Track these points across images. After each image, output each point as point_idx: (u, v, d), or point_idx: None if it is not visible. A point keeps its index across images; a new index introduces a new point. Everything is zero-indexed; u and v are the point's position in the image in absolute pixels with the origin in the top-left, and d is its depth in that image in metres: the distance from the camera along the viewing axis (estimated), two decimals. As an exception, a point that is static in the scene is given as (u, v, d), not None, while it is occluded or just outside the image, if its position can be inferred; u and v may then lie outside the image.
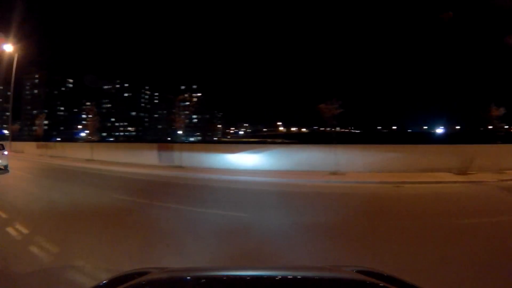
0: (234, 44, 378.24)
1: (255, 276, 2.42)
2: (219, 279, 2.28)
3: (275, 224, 9.07)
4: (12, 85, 45.49)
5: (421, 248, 6.82)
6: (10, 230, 8.35)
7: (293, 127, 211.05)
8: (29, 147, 40.66)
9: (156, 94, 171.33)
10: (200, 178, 18.47)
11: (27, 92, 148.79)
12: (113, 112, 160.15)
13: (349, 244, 7.20)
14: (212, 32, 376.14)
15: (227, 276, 2.40)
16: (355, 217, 9.75)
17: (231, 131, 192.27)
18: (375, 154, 19.44)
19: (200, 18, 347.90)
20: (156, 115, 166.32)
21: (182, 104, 31.68)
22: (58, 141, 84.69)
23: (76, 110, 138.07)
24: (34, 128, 44.83)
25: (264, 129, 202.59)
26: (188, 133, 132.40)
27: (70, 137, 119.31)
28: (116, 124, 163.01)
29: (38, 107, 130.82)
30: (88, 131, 35.16)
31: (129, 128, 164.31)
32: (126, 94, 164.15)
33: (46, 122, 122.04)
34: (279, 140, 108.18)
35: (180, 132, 30.96)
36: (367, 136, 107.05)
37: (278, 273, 2.54)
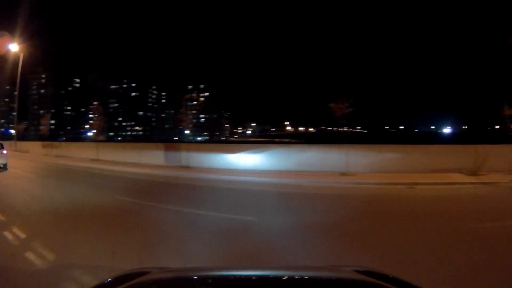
0: (242, 44, 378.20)
1: (255, 276, 2.42)
2: (219, 279, 2.27)
3: (291, 229, 8.57)
4: (17, 84, 45.61)
5: (443, 256, 6.37)
6: (7, 234, 8.00)
7: (301, 126, 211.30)
8: (35, 147, 40.58)
9: (164, 93, 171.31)
10: (208, 179, 18.03)
11: (34, 92, 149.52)
12: (120, 112, 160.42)
13: (369, 252, 6.67)
14: (220, 32, 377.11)
15: (227, 276, 2.40)
16: (371, 221, 9.25)
17: (239, 131, 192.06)
18: (385, 154, 18.99)
19: (208, 17, 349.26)
20: (163, 115, 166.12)
21: (189, 103, 31.43)
22: (65, 140, 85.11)
23: (83, 109, 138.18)
24: (41, 127, 44.64)
25: (272, 129, 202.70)
26: (195, 132, 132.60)
27: (77, 136, 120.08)
28: (123, 123, 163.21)
29: (45, 107, 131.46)
30: (94, 131, 34.88)
31: (136, 128, 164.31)
32: (133, 94, 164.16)
33: (53, 121, 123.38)
34: (287, 140, 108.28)
35: (187, 131, 30.75)
36: (374, 136, 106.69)
37: (278, 273, 2.54)
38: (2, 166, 22.79)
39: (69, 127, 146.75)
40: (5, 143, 38.78)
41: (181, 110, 27.82)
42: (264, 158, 20.84)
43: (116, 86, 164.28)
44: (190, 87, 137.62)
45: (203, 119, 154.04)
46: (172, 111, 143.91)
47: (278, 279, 2.29)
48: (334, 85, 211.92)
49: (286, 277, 2.37)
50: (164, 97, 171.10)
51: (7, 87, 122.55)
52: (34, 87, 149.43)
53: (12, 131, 48.29)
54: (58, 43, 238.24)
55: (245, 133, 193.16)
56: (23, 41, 43.54)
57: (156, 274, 2.46)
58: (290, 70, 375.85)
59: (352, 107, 19.35)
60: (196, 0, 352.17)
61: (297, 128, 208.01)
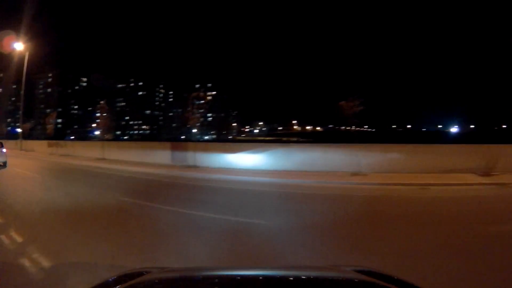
0: (249, 42, 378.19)
1: (255, 276, 2.40)
2: (219, 279, 2.26)
3: (308, 235, 8.00)
4: (23, 83, 45.73)
5: (466, 263, 6.02)
6: (3, 237, 7.68)
7: (308, 125, 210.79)
8: (40, 146, 40.59)
9: (171, 92, 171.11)
10: (216, 179, 17.55)
11: (41, 91, 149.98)
12: (128, 111, 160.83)
13: (396, 258, 6.18)
14: (227, 30, 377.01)
15: (227, 276, 2.39)
16: (389, 225, 8.85)
17: (246, 130, 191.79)
18: (395, 154, 18.54)
19: (215, 15, 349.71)
20: (170, 114, 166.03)
21: (196, 102, 31.30)
22: (73, 139, 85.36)
23: (90, 108, 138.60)
24: (48, 126, 44.64)
25: (279, 128, 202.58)
26: (202, 131, 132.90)
27: (84, 135, 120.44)
28: (131, 122, 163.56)
29: (52, 106, 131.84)
30: (101, 130, 34.73)
31: (144, 127, 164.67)
32: (140, 93, 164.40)
33: (59, 120, 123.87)
34: (295, 139, 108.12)
35: (194, 130, 30.54)
36: (382, 135, 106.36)
37: (278, 273, 2.53)
38: (1, 164, 23.61)
39: (76, 126, 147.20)
40: (10, 142, 38.81)
41: (188, 109, 27.76)
42: (273, 157, 20.42)
43: (123, 85, 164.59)
44: (197, 85, 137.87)
45: (210, 118, 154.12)
46: (179, 110, 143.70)
47: (278, 278, 2.29)
48: (342, 84, 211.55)
49: (286, 276, 2.37)
50: (171, 96, 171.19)
51: (14, 86, 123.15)
52: (41, 86, 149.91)
53: (19, 130, 48.23)
54: (65, 42, 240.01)
55: (253, 132, 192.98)
56: (28, 40, 43.63)
57: (156, 274, 2.48)
58: (298, 69, 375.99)
59: (363, 105, 19.25)
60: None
61: (304, 127, 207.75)
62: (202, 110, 30.58)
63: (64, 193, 13.79)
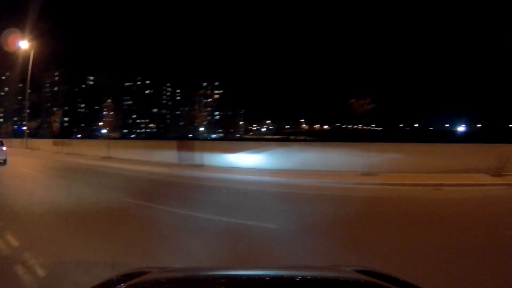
0: (257, 40, 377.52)
1: (255, 276, 2.39)
2: (219, 279, 2.23)
3: (321, 241, 7.48)
4: (28, 81, 45.78)
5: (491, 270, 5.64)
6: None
7: (315, 124, 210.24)
8: (46, 145, 40.65)
9: (178, 91, 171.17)
10: (223, 179, 17.14)
11: (47, 90, 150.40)
12: (135, 109, 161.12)
13: (418, 263, 5.74)
14: (235, 28, 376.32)
15: (227, 276, 2.36)
16: (407, 227, 8.53)
17: (253, 128, 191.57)
18: (407, 153, 18.27)
19: (223, 13, 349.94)
20: (177, 112, 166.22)
21: (203, 100, 31.16)
22: (78, 138, 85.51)
23: (97, 107, 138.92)
24: (53, 125, 44.62)
25: (287, 126, 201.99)
26: (209, 130, 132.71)
27: (91, 134, 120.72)
28: (138, 121, 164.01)
29: (58, 104, 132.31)
30: (107, 128, 34.53)
31: (151, 125, 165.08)
32: (147, 91, 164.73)
33: (66, 119, 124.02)
34: (302, 138, 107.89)
35: (201, 129, 30.29)
36: (390, 134, 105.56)
37: (278, 273, 2.49)
38: (2, 161, 24.62)
39: (83, 125, 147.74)
40: (16, 141, 38.84)
41: (196, 107, 27.62)
42: (281, 156, 20.08)
43: (130, 83, 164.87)
44: (204, 84, 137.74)
45: (217, 116, 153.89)
46: (186, 108, 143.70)
47: (278, 279, 2.26)
48: (350, 82, 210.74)
49: (286, 276, 2.35)
50: (178, 94, 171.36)
51: (20, 85, 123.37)
52: (47, 84, 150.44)
53: (25, 128, 48.22)
54: (72, 41, 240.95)
55: (260, 130, 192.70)
56: (34, 39, 43.56)
57: (156, 274, 2.47)
58: (306, 68, 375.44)
59: (374, 103, 19.03)
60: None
61: (312, 126, 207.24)
62: (209, 109, 30.37)
63: (67, 194, 13.39)
